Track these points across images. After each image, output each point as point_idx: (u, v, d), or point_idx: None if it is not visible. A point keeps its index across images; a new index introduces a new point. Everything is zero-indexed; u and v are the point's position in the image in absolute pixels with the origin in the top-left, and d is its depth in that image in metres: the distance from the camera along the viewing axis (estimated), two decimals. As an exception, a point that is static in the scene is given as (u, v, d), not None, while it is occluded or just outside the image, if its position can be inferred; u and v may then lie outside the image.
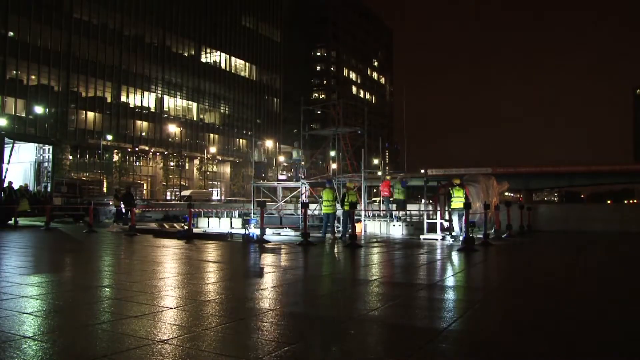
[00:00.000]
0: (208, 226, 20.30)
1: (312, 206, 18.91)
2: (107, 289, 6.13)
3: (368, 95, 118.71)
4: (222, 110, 78.32)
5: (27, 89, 52.84)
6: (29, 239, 13.61)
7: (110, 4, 60.35)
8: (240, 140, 79.33)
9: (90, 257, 10.16)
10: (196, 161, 72.17)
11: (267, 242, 12.60)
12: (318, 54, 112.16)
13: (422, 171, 71.47)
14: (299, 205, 18.74)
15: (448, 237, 14.01)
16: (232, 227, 18.81)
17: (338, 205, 15.58)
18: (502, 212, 16.70)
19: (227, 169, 78.73)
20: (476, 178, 17.42)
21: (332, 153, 23.18)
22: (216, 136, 76.42)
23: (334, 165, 22.98)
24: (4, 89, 50.87)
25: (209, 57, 75.60)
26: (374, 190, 20.65)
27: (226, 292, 5.97)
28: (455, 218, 14.01)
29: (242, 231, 15.01)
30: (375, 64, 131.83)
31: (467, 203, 12.59)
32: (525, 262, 10.44)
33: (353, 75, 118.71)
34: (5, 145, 19.49)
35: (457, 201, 13.68)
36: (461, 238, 13.38)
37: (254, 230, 13.56)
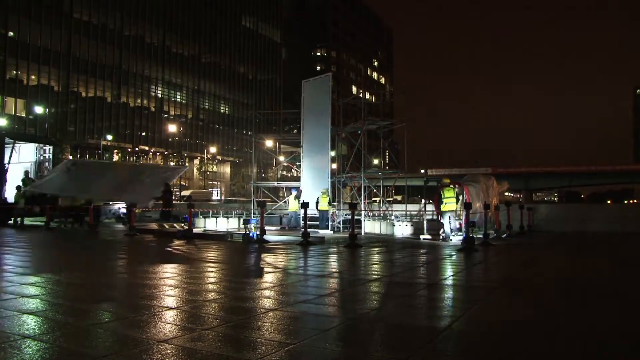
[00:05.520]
0: (206, 226, 20.30)
1: (312, 206, 18.90)
2: (107, 289, 6.13)
3: (368, 95, 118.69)
4: (222, 110, 78.32)
5: (27, 89, 52.83)
6: (30, 238, 13.61)
7: (110, 4, 60.36)
8: (240, 140, 79.30)
9: (90, 257, 10.15)
10: (196, 161, 72.17)
11: (267, 242, 12.61)
12: (318, 54, 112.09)
13: (422, 171, 71.52)
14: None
15: (446, 237, 14.02)
16: (231, 227, 18.82)
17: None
18: (502, 212, 16.70)
19: (227, 169, 78.74)
20: (476, 178, 17.43)
21: (332, 153, 23.17)
22: (216, 136, 76.40)
23: (333, 165, 22.97)
24: (4, 89, 50.87)
25: (209, 57, 75.58)
26: (374, 190, 20.64)
27: (226, 292, 5.97)
28: (445, 220, 13.94)
29: (242, 231, 15.01)
30: (375, 64, 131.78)
31: (467, 203, 12.58)
32: (525, 262, 10.44)
33: (353, 75, 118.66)
34: (6, 146, 19.50)
35: (449, 202, 13.67)
36: (454, 239, 13.43)
37: (254, 230, 13.56)
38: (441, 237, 13.92)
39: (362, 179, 18.82)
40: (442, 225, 14.22)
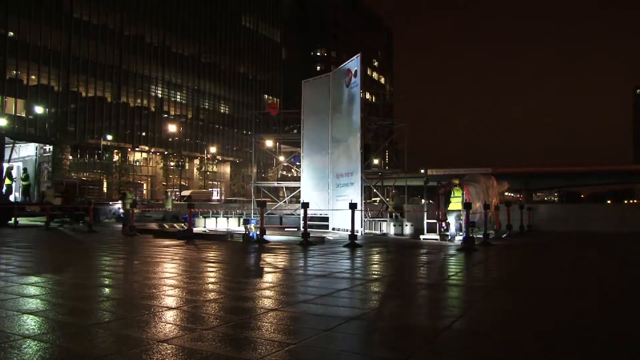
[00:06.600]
0: (206, 226, 20.30)
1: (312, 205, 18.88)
2: (107, 289, 6.13)
3: (368, 95, 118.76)
4: (222, 110, 78.31)
5: (27, 89, 52.85)
6: (29, 238, 13.60)
7: (110, 4, 60.37)
8: (240, 140, 79.29)
9: (90, 257, 10.15)
10: (196, 161, 72.17)
11: (267, 242, 12.60)
12: (318, 54, 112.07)
13: (422, 171, 71.41)
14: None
15: (452, 237, 14.01)
16: (231, 227, 18.81)
17: None
18: (502, 212, 16.69)
19: (227, 169, 78.72)
20: (476, 178, 17.42)
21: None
22: (216, 136, 76.39)
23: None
24: (4, 89, 50.89)
25: (209, 57, 75.56)
26: (374, 190, 20.63)
27: (226, 292, 5.97)
28: (451, 219, 13.95)
29: (242, 231, 15.02)
30: (375, 64, 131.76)
31: (467, 203, 12.57)
32: (525, 262, 10.44)
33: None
34: (6, 146, 19.49)
35: (456, 202, 13.68)
36: (457, 239, 13.42)
37: (254, 230, 13.57)
38: (449, 237, 13.89)
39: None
40: (447, 224, 14.24)
